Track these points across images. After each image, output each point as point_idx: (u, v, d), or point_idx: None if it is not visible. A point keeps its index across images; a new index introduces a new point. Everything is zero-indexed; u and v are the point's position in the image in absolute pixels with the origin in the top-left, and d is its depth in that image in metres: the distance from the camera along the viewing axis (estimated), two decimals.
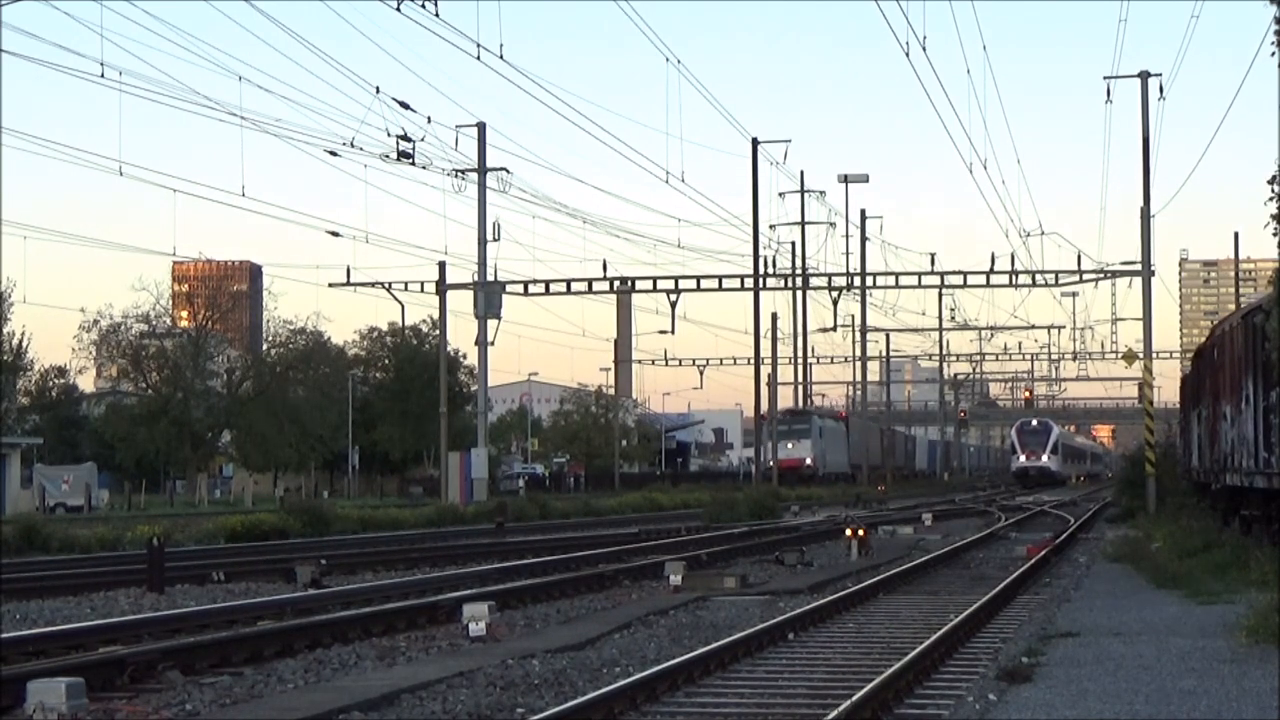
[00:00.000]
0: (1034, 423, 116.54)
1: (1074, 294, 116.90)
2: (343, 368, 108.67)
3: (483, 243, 60.10)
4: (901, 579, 24.15)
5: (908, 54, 39.11)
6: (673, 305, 67.30)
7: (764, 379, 76.57)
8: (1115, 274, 66.61)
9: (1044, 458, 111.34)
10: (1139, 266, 51.98)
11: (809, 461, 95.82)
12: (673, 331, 69.26)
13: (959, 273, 69.32)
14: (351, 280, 65.05)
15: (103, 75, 38.85)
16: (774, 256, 77.27)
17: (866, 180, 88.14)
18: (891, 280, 73.25)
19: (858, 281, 79.13)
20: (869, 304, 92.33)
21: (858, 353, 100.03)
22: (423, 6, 37.24)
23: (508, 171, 60.49)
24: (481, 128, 59.60)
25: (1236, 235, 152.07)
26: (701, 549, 31.75)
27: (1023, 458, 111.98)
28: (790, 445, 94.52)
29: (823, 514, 55.19)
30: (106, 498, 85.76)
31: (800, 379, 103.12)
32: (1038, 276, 68.29)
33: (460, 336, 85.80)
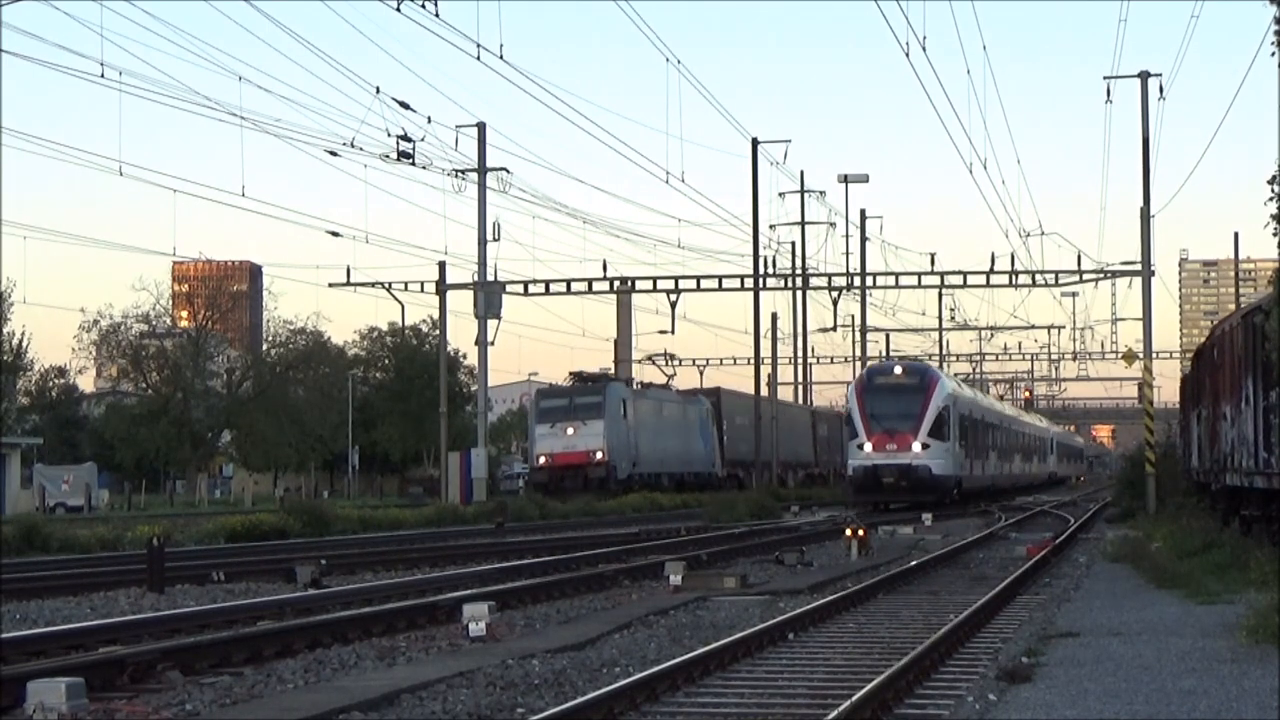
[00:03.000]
0: (896, 370, 58.89)
1: (1074, 294, 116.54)
2: (343, 368, 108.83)
3: (483, 243, 60.13)
4: (901, 579, 24.15)
5: (908, 54, 39.13)
6: (673, 305, 67.38)
7: (764, 379, 76.53)
8: (1115, 274, 66.69)
9: (915, 445, 55.22)
10: (1139, 266, 51.99)
11: (600, 456, 64.59)
12: (673, 331, 69.30)
13: (959, 273, 69.38)
14: (351, 280, 65.18)
15: (103, 75, 38.93)
16: (774, 256, 77.22)
17: (866, 180, 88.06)
18: (891, 280, 73.33)
19: (858, 281, 79.16)
20: (869, 304, 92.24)
21: (858, 353, 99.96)
22: (423, 6, 37.27)
23: (508, 171, 60.59)
24: (481, 128, 59.64)
25: (1236, 235, 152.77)
26: (701, 549, 31.74)
27: (868, 445, 55.45)
28: (569, 430, 64.92)
29: (823, 514, 55.20)
30: (106, 498, 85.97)
31: (800, 379, 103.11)
32: (1038, 276, 68.34)
33: (460, 336, 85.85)
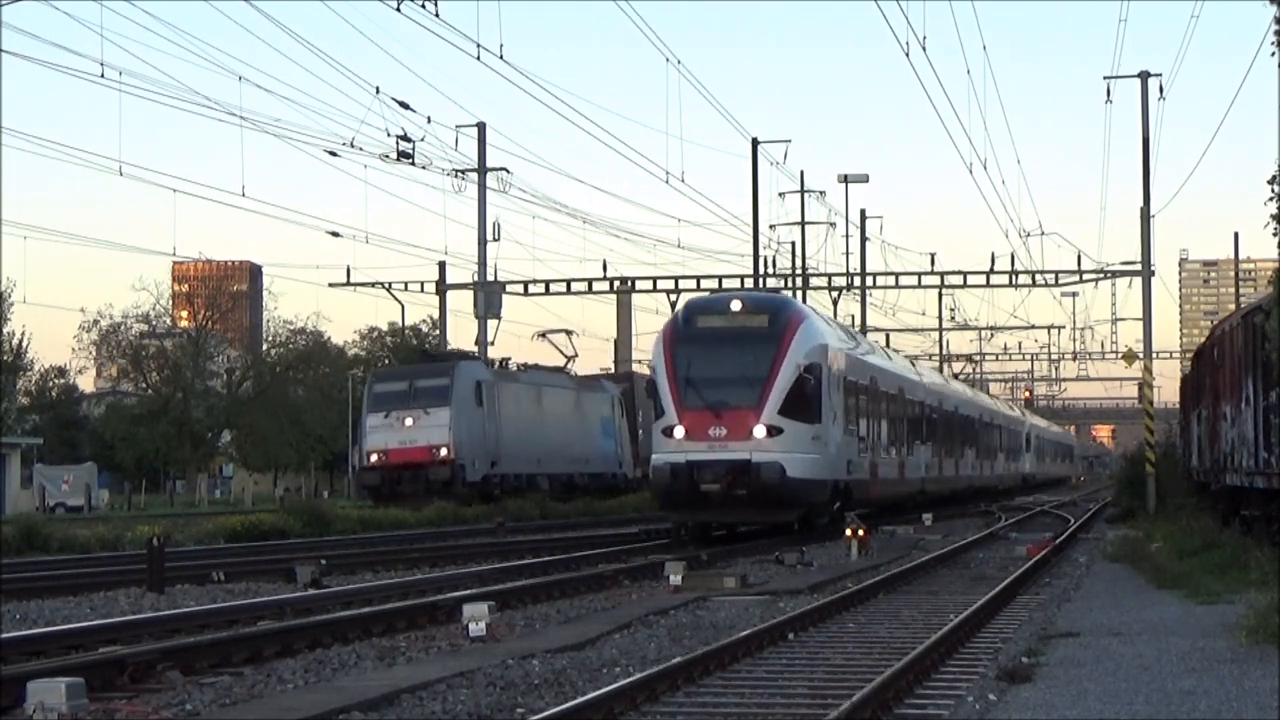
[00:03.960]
0: (732, 305, 34.99)
1: (1074, 294, 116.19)
2: (343, 368, 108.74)
3: (483, 243, 60.11)
4: (901, 579, 24.15)
5: (908, 54, 39.06)
6: (673, 305, 67.30)
7: None
8: (1115, 274, 66.65)
9: (758, 430, 32.97)
10: (1139, 266, 51.96)
11: (444, 453, 52.14)
12: None
13: (959, 273, 69.38)
14: (351, 280, 65.18)
15: (103, 75, 38.84)
16: (774, 256, 77.23)
17: (866, 180, 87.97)
18: (891, 280, 73.36)
19: (858, 281, 79.17)
20: (869, 304, 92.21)
21: None
22: (423, 6, 37.21)
23: (508, 171, 60.52)
24: (481, 128, 59.62)
25: (1236, 235, 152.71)
26: (701, 549, 31.74)
27: (680, 429, 33.13)
28: (408, 421, 52.21)
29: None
30: (106, 498, 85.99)
31: None
32: (1038, 276, 68.29)
33: (460, 336, 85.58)
